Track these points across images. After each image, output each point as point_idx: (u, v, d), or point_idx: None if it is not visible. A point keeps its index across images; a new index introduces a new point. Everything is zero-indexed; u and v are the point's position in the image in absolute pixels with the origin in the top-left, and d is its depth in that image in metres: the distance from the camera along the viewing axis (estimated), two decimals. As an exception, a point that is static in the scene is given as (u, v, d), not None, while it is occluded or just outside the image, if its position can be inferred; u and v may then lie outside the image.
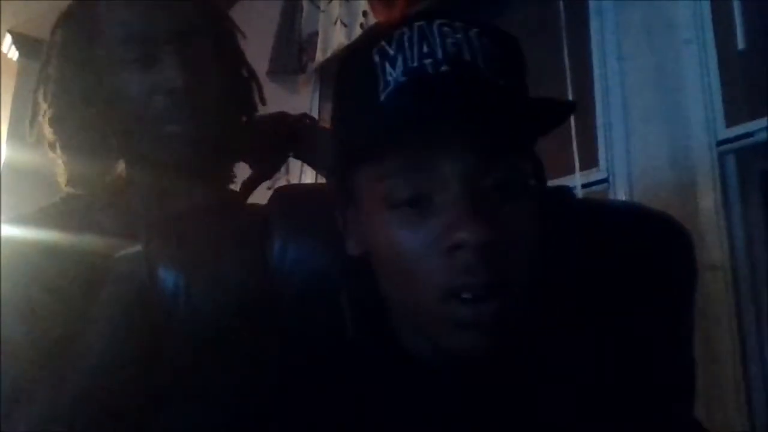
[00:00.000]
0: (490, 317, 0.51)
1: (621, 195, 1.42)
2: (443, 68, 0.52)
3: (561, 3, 1.64)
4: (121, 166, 0.90)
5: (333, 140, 0.61)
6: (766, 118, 1.19)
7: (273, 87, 2.57)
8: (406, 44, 0.54)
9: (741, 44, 1.28)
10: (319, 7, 2.39)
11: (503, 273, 0.51)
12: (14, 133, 3.04)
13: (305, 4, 2.45)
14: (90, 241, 0.77)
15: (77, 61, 0.87)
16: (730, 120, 1.29)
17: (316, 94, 2.50)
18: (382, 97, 0.53)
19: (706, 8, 1.34)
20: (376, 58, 0.54)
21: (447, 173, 0.52)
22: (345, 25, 2.23)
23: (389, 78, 0.53)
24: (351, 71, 0.58)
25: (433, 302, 0.52)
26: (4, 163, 2.98)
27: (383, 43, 0.55)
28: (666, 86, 1.38)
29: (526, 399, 0.57)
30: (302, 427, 0.58)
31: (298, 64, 2.47)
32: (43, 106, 0.88)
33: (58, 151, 0.88)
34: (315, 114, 2.46)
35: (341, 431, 0.57)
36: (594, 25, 1.56)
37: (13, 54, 3.13)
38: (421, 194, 0.52)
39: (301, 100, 2.52)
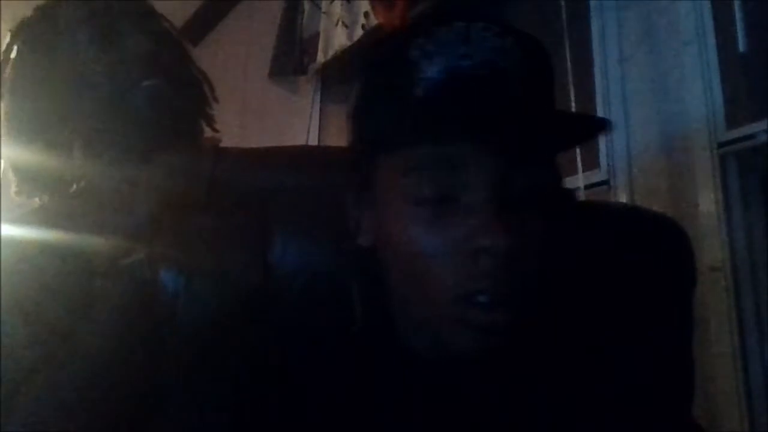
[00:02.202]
0: (504, 322, 0.52)
1: (621, 196, 1.42)
2: (481, 72, 0.53)
3: (562, 4, 1.64)
4: (80, 172, 0.89)
5: (353, 130, 0.61)
6: (766, 120, 1.19)
7: (274, 88, 2.58)
8: (446, 43, 0.54)
9: (742, 46, 1.28)
10: (320, 8, 2.39)
11: (520, 280, 0.52)
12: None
13: (306, 6, 2.45)
14: (90, 240, 0.77)
15: (36, 57, 0.87)
16: (731, 122, 1.28)
17: (317, 96, 2.50)
18: (418, 92, 0.53)
19: (707, 10, 1.34)
20: (413, 54, 0.54)
21: (476, 175, 0.52)
22: (346, 26, 2.23)
23: (426, 74, 0.53)
24: (383, 64, 0.58)
25: (448, 303, 0.52)
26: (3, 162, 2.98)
27: (421, 39, 0.55)
28: (667, 88, 1.38)
29: (522, 398, 0.58)
30: (302, 423, 0.58)
31: (299, 66, 2.47)
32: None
33: (10, 152, 0.88)
34: (316, 114, 2.47)
35: (341, 426, 0.57)
36: (595, 26, 1.56)
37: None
38: (448, 193, 0.52)
39: (301, 101, 2.52)
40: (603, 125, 0.54)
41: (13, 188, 0.89)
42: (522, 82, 0.54)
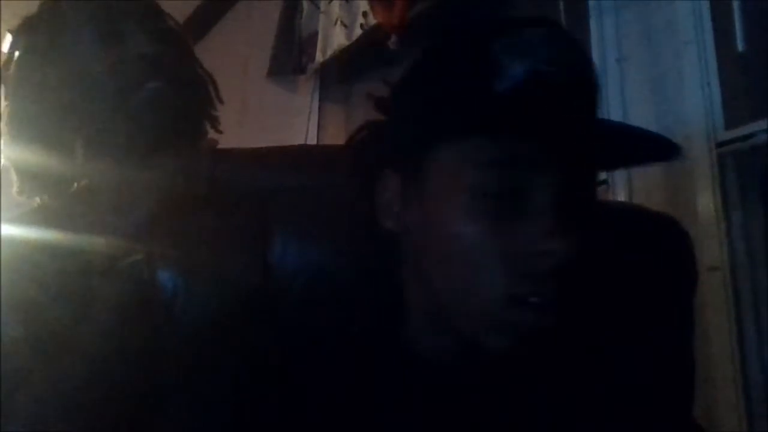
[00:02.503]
0: (548, 325, 0.52)
1: (620, 196, 1.41)
2: (562, 78, 0.54)
3: (561, 3, 1.64)
4: (82, 171, 0.89)
5: (403, 114, 0.60)
6: (765, 120, 1.19)
7: (273, 87, 2.58)
8: (531, 45, 0.54)
9: (741, 45, 1.28)
10: (319, 8, 2.39)
11: (568, 285, 0.53)
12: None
13: (305, 5, 2.45)
14: (90, 240, 0.77)
15: (39, 57, 0.87)
16: (730, 122, 1.28)
17: (316, 95, 2.50)
18: (500, 88, 0.53)
19: (706, 9, 1.34)
20: (496, 49, 0.54)
21: (546, 178, 0.52)
22: (345, 26, 2.23)
23: (511, 72, 0.53)
24: (459, 54, 0.58)
25: (497, 301, 0.52)
26: (3, 162, 2.97)
27: (504, 37, 0.55)
28: (665, 87, 1.38)
29: (525, 398, 0.58)
30: (302, 424, 0.58)
31: (298, 65, 2.47)
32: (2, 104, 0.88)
33: (12, 151, 0.88)
34: (315, 114, 2.46)
35: (341, 427, 0.57)
36: (593, 25, 1.56)
37: (13, 54, 3.12)
38: (515, 191, 0.52)
39: (300, 100, 2.52)
40: (672, 152, 0.57)
41: (15, 187, 0.89)
42: (593, 92, 0.56)
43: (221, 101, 0.96)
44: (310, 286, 0.73)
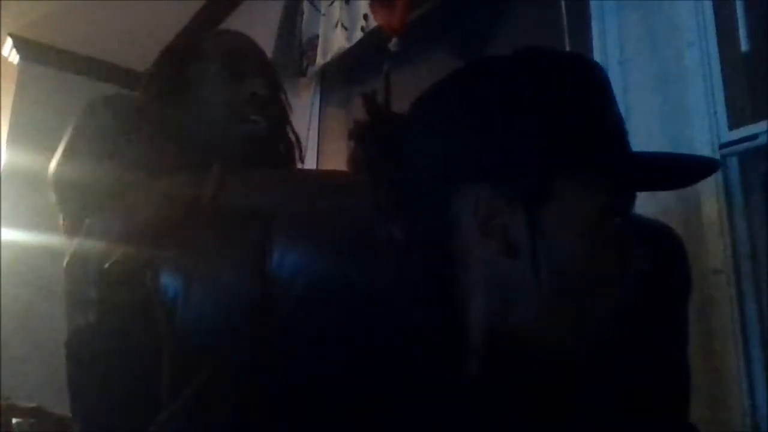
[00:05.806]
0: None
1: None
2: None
3: (563, 5, 1.64)
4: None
5: (515, 140, 0.58)
6: (769, 121, 1.19)
7: (274, 90, 2.58)
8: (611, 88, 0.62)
9: (744, 46, 1.27)
10: (319, 11, 2.39)
11: None
12: (14, 138, 3.04)
13: (306, 8, 2.45)
14: (94, 245, 0.78)
15: (170, 80, 1.01)
16: (733, 122, 1.28)
17: (317, 98, 2.50)
18: (611, 124, 0.63)
19: (709, 10, 1.33)
20: (598, 83, 0.61)
21: (629, 207, 0.61)
22: (345, 29, 2.23)
23: (613, 112, 0.62)
24: (580, 82, 0.60)
25: (593, 317, 0.57)
26: (3, 167, 2.99)
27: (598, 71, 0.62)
28: (668, 89, 1.37)
29: (529, 395, 0.58)
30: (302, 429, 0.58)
31: (298, 68, 2.47)
32: (146, 129, 0.98)
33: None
34: (315, 117, 2.46)
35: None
36: (596, 27, 1.56)
37: (14, 57, 3.14)
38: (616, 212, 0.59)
39: (301, 103, 2.52)
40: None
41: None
42: None
43: (303, 161, 1.13)
44: (307, 291, 0.73)
